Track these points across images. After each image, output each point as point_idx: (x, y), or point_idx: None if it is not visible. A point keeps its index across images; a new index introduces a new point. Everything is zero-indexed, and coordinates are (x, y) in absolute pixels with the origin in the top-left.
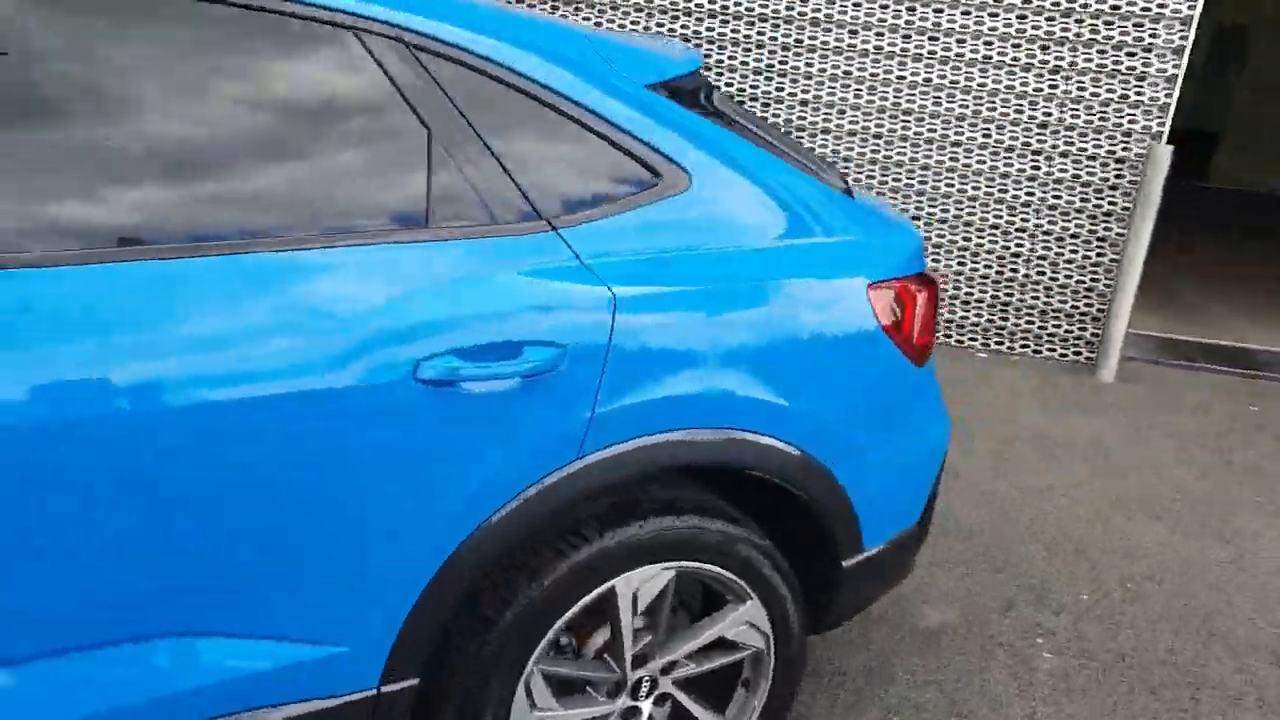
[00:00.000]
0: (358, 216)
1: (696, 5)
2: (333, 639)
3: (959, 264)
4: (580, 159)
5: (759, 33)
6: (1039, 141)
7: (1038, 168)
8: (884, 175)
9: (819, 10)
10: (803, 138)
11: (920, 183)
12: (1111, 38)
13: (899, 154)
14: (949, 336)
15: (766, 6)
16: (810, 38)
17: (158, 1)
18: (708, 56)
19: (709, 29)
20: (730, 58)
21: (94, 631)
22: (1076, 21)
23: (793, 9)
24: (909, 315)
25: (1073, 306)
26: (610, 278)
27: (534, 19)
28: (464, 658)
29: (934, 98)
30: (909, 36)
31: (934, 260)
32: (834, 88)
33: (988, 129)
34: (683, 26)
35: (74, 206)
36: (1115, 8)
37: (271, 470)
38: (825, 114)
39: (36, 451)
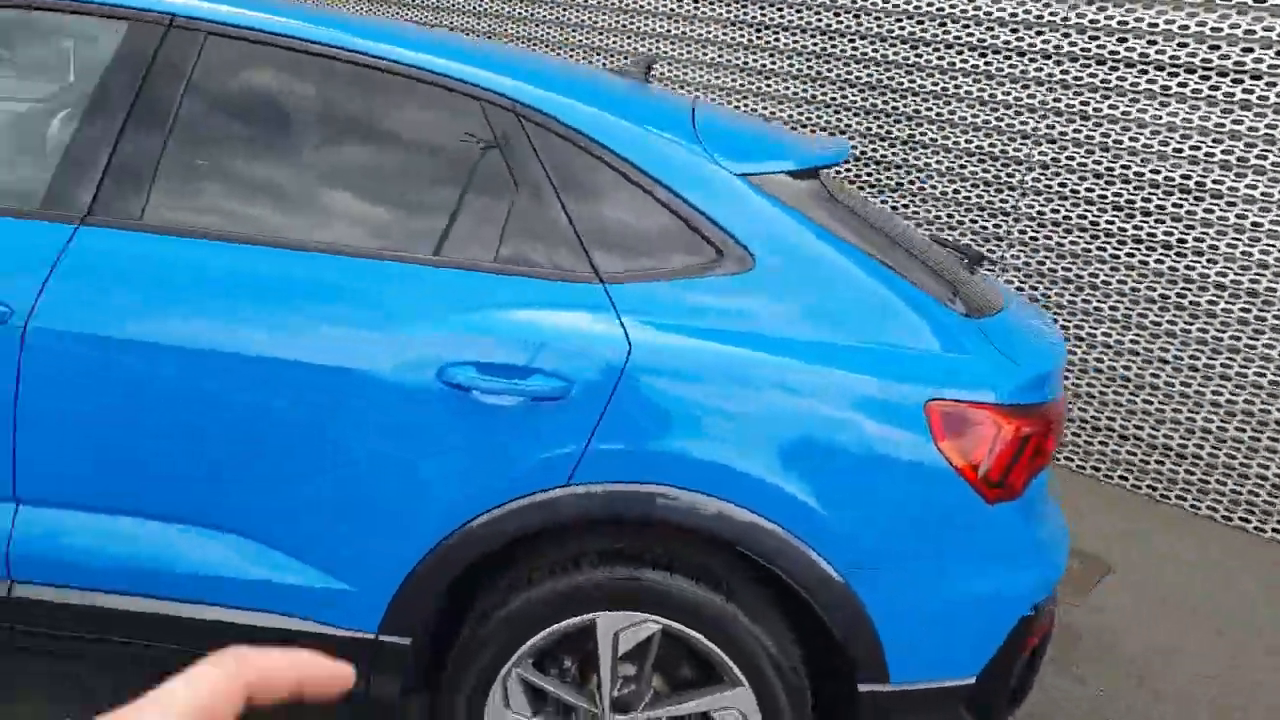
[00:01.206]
0: (440, 242)
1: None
2: (343, 577)
3: None
4: (646, 225)
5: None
6: None
7: None
8: None
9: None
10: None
11: None
12: None
13: None
14: None
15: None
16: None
17: (363, 77)
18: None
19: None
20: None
21: (168, 511)
22: None
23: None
24: (984, 443)
25: None
26: (636, 333)
27: (640, 97)
28: (457, 638)
29: None
30: None
31: None
32: None
33: None
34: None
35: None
36: None
37: (318, 426)
38: None
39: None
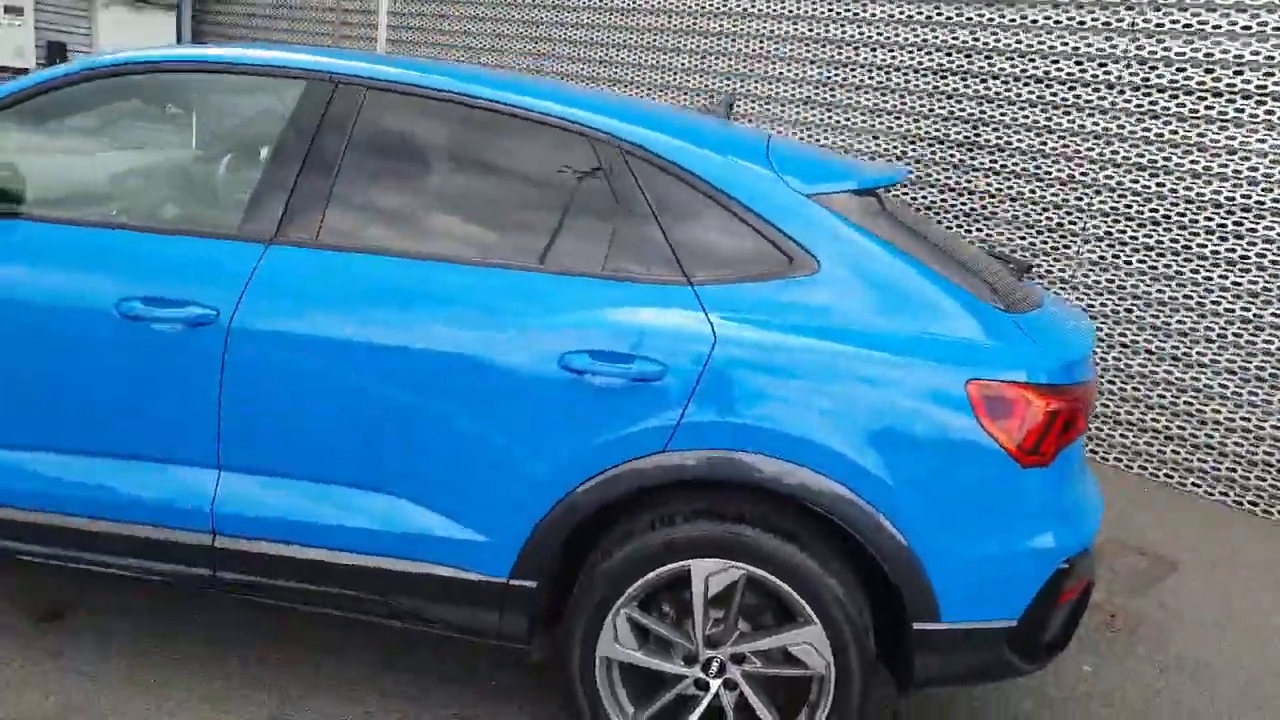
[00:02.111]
0: (560, 255)
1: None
2: (481, 529)
3: None
4: (726, 238)
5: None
6: None
7: None
8: None
9: None
10: None
11: None
12: None
13: None
14: None
15: None
16: None
17: (494, 121)
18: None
19: None
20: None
21: (344, 477)
22: None
23: None
24: (1017, 417)
25: None
26: (720, 326)
27: (721, 130)
28: (575, 582)
29: None
30: None
31: None
32: None
33: None
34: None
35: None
36: None
37: (465, 405)
38: None
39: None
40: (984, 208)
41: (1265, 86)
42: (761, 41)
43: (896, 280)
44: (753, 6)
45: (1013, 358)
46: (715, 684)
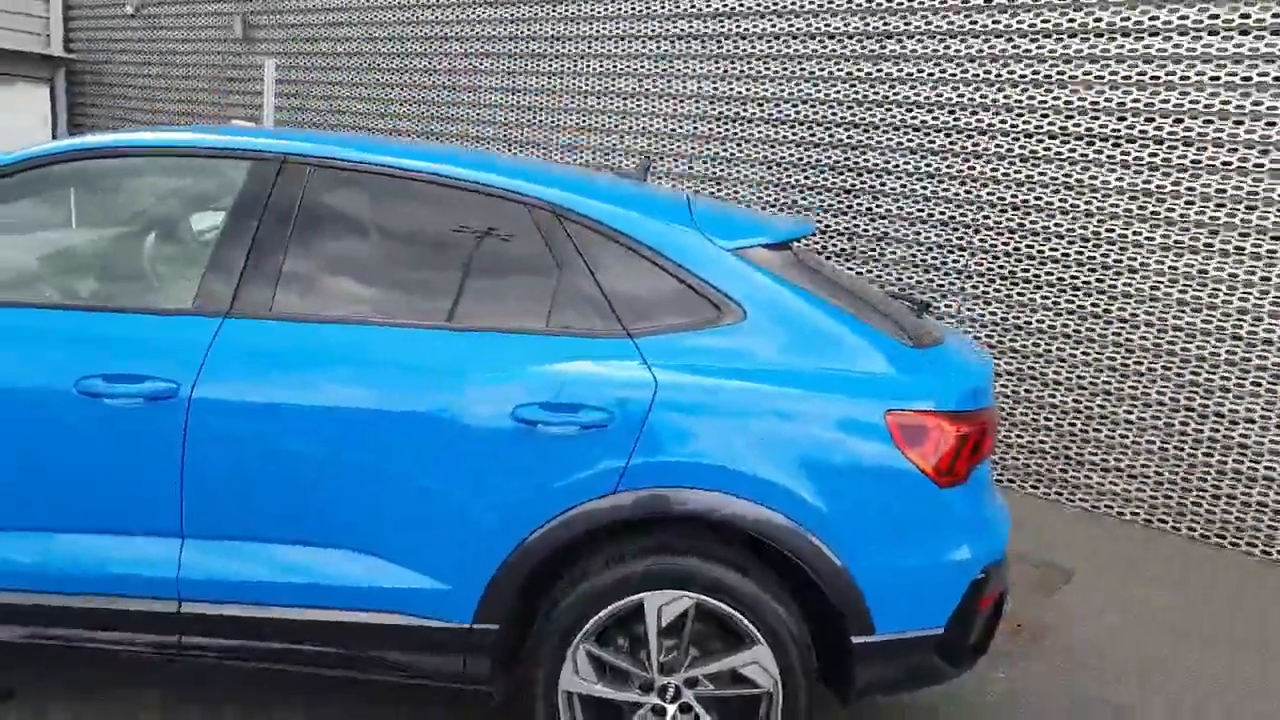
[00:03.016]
0: (506, 315)
1: None
2: (444, 578)
3: None
4: (661, 292)
5: None
6: None
7: None
8: None
9: None
10: None
11: None
12: None
13: None
14: None
15: None
16: None
17: (421, 190)
18: None
19: None
20: None
21: (311, 537)
22: None
23: None
24: (931, 442)
25: None
26: (660, 374)
27: (645, 192)
28: (536, 623)
29: None
30: None
31: None
32: None
33: None
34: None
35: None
36: None
37: (424, 461)
38: None
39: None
40: (870, 249)
41: (1119, 130)
42: (660, 101)
43: (815, 324)
44: (650, 81)
45: (924, 388)
46: (671, 709)
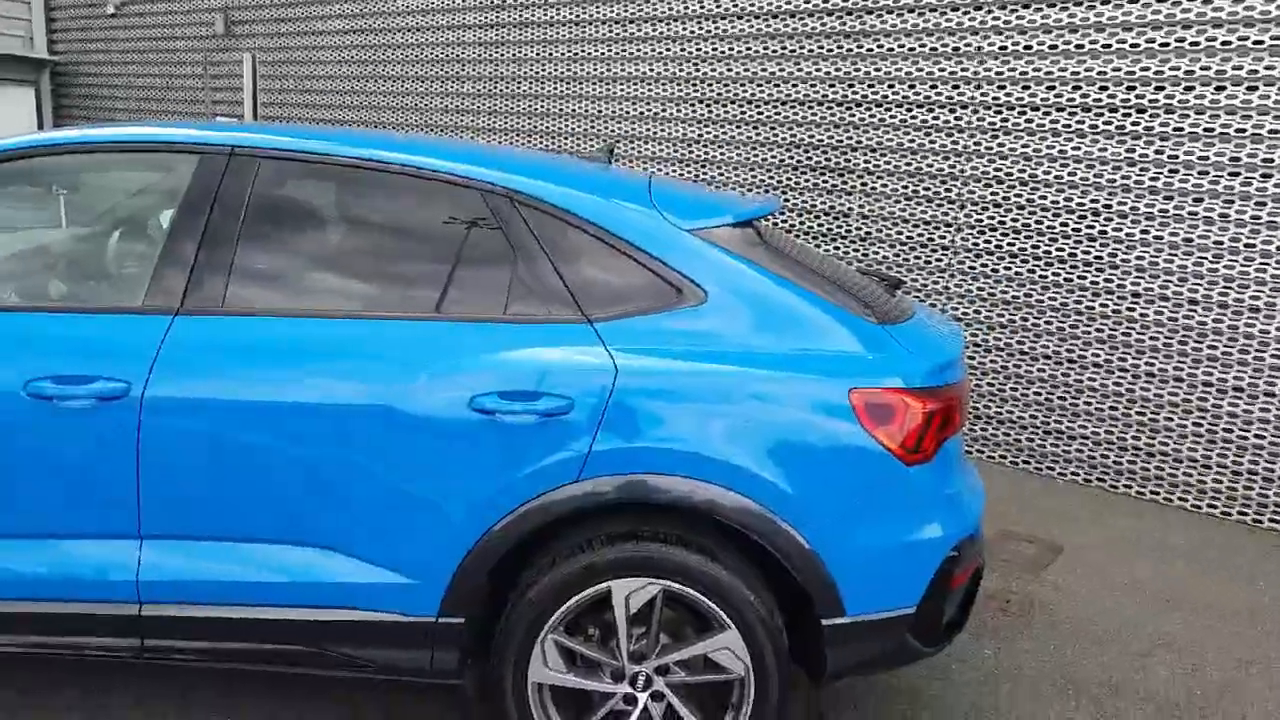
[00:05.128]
0: (462, 303)
1: None
2: (407, 572)
3: None
4: (619, 275)
5: None
6: None
7: None
8: None
9: None
10: None
11: None
12: None
13: None
14: None
15: None
16: None
17: (374, 178)
18: None
19: None
20: None
21: (270, 534)
22: None
23: None
24: (897, 420)
25: None
26: (620, 358)
27: (605, 175)
28: (502, 613)
29: None
30: None
31: None
32: None
33: None
34: None
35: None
36: None
37: (382, 454)
38: None
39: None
40: (859, 229)
41: (1101, 100)
42: (637, 84)
43: (777, 303)
44: (626, 63)
45: (888, 366)
46: (642, 697)
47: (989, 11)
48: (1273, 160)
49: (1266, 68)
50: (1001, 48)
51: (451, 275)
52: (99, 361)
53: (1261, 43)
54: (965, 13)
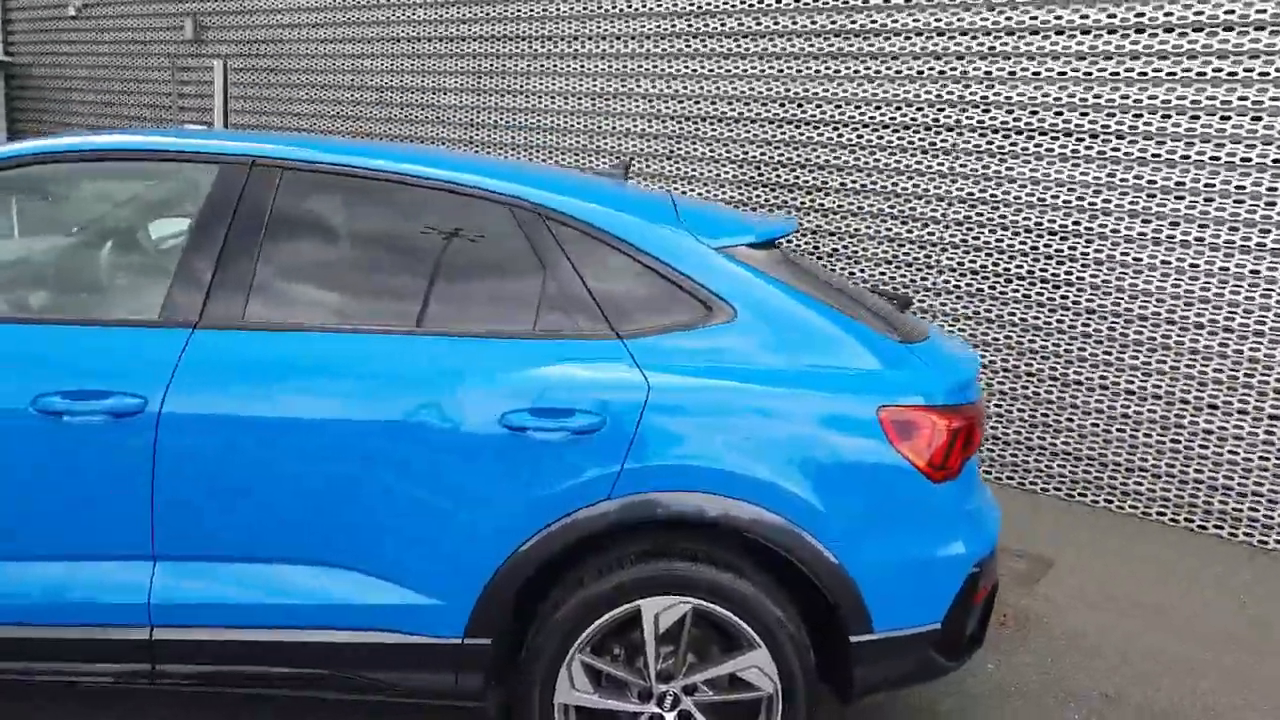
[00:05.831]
0: (492, 319)
1: None
2: (432, 593)
3: None
4: (649, 292)
5: None
6: None
7: None
8: None
9: None
10: None
11: None
12: None
13: None
14: None
15: None
16: None
17: (402, 192)
18: None
19: None
20: None
21: (291, 554)
22: None
23: None
24: (924, 437)
25: None
26: (651, 375)
27: (633, 194)
28: (529, 635)
29: None
30: None
31: None
32: None
33: None
34: None
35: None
36: None
37: (409, 471)
38: None
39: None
40: (847, 249)
41: (1083, 125)
42: (629, 101)
43: (804, 321)
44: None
45: (915, 384)
46: (670, 717)
47: (974, 38)
48: (1245, 187)
49: (1239, 98)
50: (987, 73)
51: (480, 291)
52: (114, 376)
53: (1235, 74)
54: (951, 38)
